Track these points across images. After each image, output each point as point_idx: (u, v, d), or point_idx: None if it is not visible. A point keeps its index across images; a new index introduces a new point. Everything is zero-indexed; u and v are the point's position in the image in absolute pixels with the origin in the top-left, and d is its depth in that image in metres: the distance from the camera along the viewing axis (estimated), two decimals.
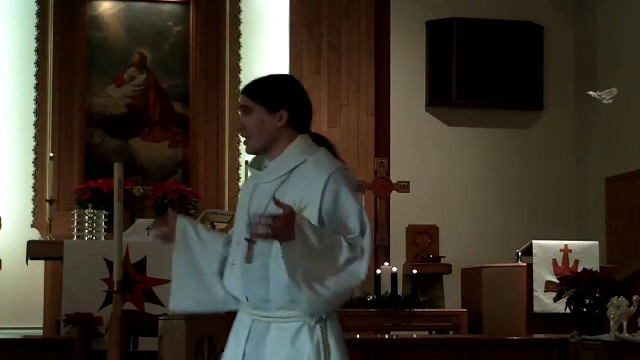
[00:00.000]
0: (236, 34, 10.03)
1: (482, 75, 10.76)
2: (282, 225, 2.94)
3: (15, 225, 9.28)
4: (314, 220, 3.08)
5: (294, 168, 3.21)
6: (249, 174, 3.46)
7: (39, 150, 9.58)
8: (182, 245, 3.38)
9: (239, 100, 3.32)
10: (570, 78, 11.21)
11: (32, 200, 9.53)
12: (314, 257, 2.98)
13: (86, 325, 7.06)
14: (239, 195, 3.53)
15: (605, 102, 9.19)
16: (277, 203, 2.99)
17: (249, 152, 3.32)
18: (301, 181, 3.17)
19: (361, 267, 3.07)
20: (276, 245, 3.06)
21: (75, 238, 8.21)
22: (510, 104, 10.95)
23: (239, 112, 3.32)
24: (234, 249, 3.30)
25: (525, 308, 8.20)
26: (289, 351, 3.14)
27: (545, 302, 8.05)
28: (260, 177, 3.29)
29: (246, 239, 3.21)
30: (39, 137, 9.60)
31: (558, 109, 11.15)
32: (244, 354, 3.22)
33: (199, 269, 3.36)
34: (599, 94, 9.15)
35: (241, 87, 9.83)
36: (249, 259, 3.20)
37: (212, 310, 3.38)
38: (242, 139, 3.38)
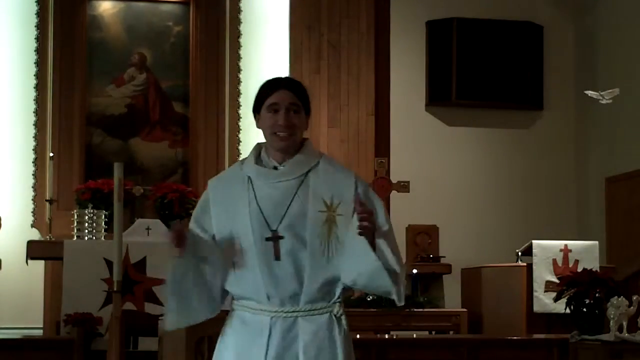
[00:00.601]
0: (236, 34, 10.03)
1: (482, 75, 10.76)
2: (374, 220, 3.19)
3: (15, 225, 9.28)
4: (349, 217, 3.25)
5: (310, 169, 3.32)
6: (237, 169, 3.40)
7: (39, 150, 9.58)
8: (191, 258, 3.25)
9: (282, 97, 3.31)
10: (570, 78, 11.21)
11: (32, 200, 9.53)
12: (391, 245, 3.32)
13: (86, 325, 7.06)
14: (214, 193, 3.39)
15: (604, 102, 9.18)
16: (361, 204, 3.16)
17: (284, 148, 3.31)
18: (325, 181, 3.30)
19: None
20: (313, 240, 3.19)
21: (75, 238, 8.20)
22: (510, 104, 10.96)
23: (282, 110, 3.29)
24: (229, 247, 3.26)
25: (525, 308, 8.19)
26: (323, 343, 3.22)
27: (545, 302, 8.05)
28: (275, 175, 3.30)
29: (267, 238, 3.21)
30: (39, 137, 9.60)
31: (558, 109, 11.15)
32: (266, 355, 3.19)
33: (206, 283, 3.28)
34: (601, 93, 9.14)
35: (242, 87, 9.86)
36: (278, 256, 3.21)
37: (200, 321, 3.36)
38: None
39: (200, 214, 3.38)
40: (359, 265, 3.20)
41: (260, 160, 3.35)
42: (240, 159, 3.60)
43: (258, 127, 3.38)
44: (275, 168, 3.32)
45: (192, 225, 3.37)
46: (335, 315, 3.26)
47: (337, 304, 3.28)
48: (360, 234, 3.15)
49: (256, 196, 3.27)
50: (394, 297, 3.25)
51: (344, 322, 3.28)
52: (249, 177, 3.32)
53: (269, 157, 3.34)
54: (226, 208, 3.31)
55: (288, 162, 3.31)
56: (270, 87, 3.35)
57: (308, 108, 3.38)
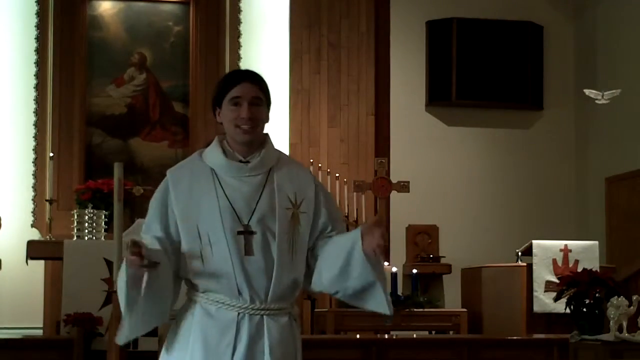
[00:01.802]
0: (236, 34, 10.03)
1: (482, 75, 10.75)
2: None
3: (15, 225, 9.28)
4: (310, 214, 3.29)
5: (273, 165, 3.31)
6: (201, 165, 3.32)
7: (39, 150, 9.58)
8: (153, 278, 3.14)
9: (245, 90, 3.26)
10: (570, 78, 11.21)
11: (32, 200, 9.53)
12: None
13: (86, 325, 7.05)
14: (175, 184, 3.29)
15: (601, 102, 9.17)
16: (379, 224, 3.20)
17: (247, 142, 3.28)
18: (287, 177, 3.30)
19: None
20: (281, 236, 3.20)
21: (75, 238, 8.20)
22: (510, 104, 10.95)
23: (245, 103, 3.26)
24: (194, 241, 3.20)
25: (525, 308, 8.18)
26: (286, 344, 3.23)
27: (545, 302, 8.04)
28: (245, 169, 3.27)
29: (240, 232, 3.19)
30: (39, 137, 9.61)
31: (558, 109, 11.15)
32: (233, 352, 3.17)
33: (162, 293, 3.21)
34: (604, 93, 9.12)
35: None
36: (250, 251, 3.19)
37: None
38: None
39: (160, 206, 3.31)
40: (352, 279, 3.26)
41: (225, 154, 3.31)
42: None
43: (218, 120, 3.34)
44: (241, 162, 3.29)
45: (151, 217, 3.31)
46: (293, 317, 3.28)
47: (294, 304, 3.31)
48: (374, 253, 3.18)
49: (225, 190, 3.24)
50: (387, 308, 3.35)
51: (298, 324, 3.32)
52: (213, 170, 3.28)
53: (233, 151, 3.31)
54: (190, 200, 3.24)
55: (257, 157, 3.28)
56: (232, 80, 3.29)
57: (269, 101, 3.35)
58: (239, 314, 3.19)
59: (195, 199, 3.24)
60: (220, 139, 3.34)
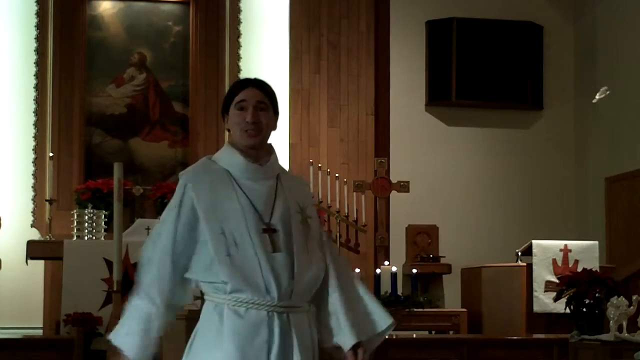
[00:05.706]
0: (236, 34, 10.03)
1: (482, 75, 10.76)
2: None
3: (15, 225, 9.28)
4: (316, 219, 3.40)
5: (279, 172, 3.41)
6: (216, 167, 3.40)
7: (39, 150, 9.58)
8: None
9: (250, 95, 3.33)
10: (570, 78, 11.21)
11: (32, 200, 9.53)
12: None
13: (86, 325, 7.06)
14: (195, 187, 3.36)
15: (594, 100, 9.16)
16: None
17: (252, 145, 3.33)
18: (293, 186, 3.40)
19: None
20: (297, 236, 3.27)
21: (75, 238, 8.21)
22: (510, 104, 10.95)
23: (250, 107, 3.31)
24: (219, 240, 3.23)
25: (525, 308, 8.20)
26: (309, 341, 3.28)
27: (545, 302, 8.05)
28: (261, 172, 3.33)
29: (264, 230, 3.23)
30: (39, 137, 9.60)
31: (558, 109, 11.15)
32: (269, 351, 3.20)
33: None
34: (607, 92, 9.09)
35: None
36: (276, 248, 3.24)
37: None
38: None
39: (176, 207, 3.39)
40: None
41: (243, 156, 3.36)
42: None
43: (226, 127, 3.40)
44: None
45: (164, 221, 3.39)
46: (310, 314, 3.32)
47: (310, 303, 3.34)
48: None
49: (244, 191, 3.29)
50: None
51: (313, 321, 3.35)
52: (228, 172, 3.32)
53: (244, 157, 3.35)
54: (214, 200, 3.29)
55: (269, 161, 3.36)
56: (238, 86, 3.37)
57: (276, 109, 3.40)
58: (268, 312, 3.21)
59: (219, 198, 3.29)
60: (231, 145, 3.39)
